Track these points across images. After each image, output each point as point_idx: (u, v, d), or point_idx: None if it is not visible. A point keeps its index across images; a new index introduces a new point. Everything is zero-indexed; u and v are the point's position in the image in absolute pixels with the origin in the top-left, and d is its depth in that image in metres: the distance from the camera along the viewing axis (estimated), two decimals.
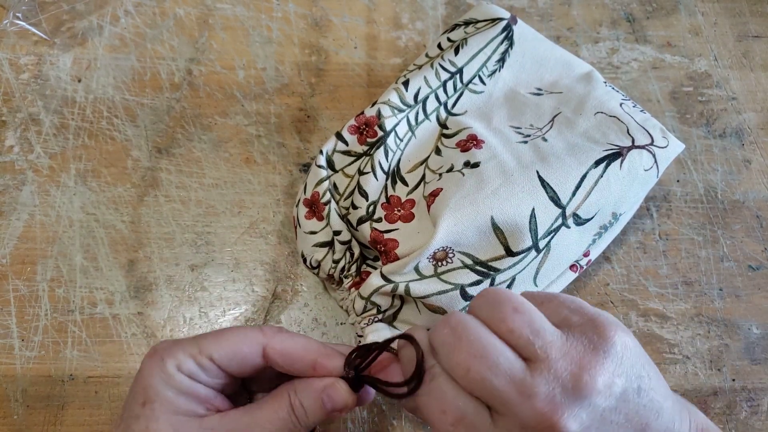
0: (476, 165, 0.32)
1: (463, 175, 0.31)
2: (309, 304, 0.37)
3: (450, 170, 0.32)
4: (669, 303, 0.38)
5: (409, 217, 0.32)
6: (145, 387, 0.23)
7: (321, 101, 0.42)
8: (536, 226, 0.30)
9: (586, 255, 0.35)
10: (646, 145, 0.33)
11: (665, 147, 0.34)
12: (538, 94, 0.37)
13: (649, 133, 0.34)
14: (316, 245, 0.33)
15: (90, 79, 0.42)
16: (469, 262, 0.30)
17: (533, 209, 0.30)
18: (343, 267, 0.33)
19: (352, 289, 0.33)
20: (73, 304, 0.35)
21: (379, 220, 0.32)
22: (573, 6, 0.48)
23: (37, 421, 0.33)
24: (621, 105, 0.35)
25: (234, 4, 0.45)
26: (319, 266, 0.33)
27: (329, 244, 0.33)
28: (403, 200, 0.33)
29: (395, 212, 0.32)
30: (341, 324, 0.36)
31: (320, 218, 0.33)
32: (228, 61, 0.43)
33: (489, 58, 0.37)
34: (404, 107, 0.35)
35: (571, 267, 0.34)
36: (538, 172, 0.31)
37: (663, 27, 0.47)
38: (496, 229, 0.30)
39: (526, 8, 0.47)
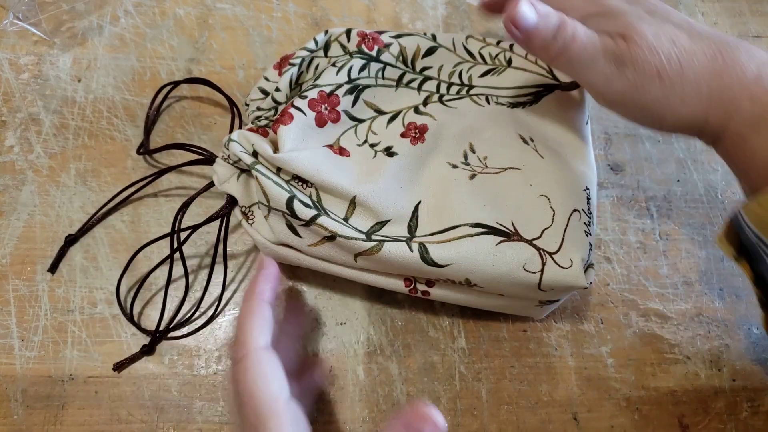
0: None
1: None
2: (309, 305, 0.37)
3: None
4: (669, 303, 0.38)
5: (339, 152, 0.33)
6: None
7: None
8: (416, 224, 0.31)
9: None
10: (541, 248, 0.30)
11: (562, 267, 0.30)
12: (525, 143, 0.35)
13: (561, 241, 0.31)
14: (260, 88, 0.36)
15: (90, 79, 0.42)
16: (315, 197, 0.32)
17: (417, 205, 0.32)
18: (259, 117, 0.34)
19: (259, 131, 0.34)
20: (73, 304, 0.35)
21: (304, 98, 0.33)
22: None
23: (37, 421, 0.33)
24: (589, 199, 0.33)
25: (234, 4, 0.45)
26: (248, 105, 0.36)
27: (267, 93, 0.35)
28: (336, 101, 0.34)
29: (321, 108, 0.33)
30: (342, 324, 0.36)
31: (280, 73, 0.35)
32: (228, 61, 0.43)
33: (517, 96, 0.36)
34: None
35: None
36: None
37: None
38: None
39: None
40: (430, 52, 0.36)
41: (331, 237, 0.30)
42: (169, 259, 0.34)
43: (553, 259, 0.30)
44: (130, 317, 0.35)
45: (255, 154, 0.32)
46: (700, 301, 0.38)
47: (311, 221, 0.30)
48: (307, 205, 0.30)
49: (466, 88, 0.36)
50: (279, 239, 0.32)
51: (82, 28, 0.43)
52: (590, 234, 0.32)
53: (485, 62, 0.37)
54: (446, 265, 0.30)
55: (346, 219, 0.31)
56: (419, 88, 0.36)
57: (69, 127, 0.40)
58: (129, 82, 0.42)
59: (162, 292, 0.35)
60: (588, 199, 0.33)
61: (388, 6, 0.47)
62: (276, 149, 0.31)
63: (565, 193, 0.32)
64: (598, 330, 0.37)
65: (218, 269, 0.36)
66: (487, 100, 0.36)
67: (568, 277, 0.30)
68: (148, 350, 0.34)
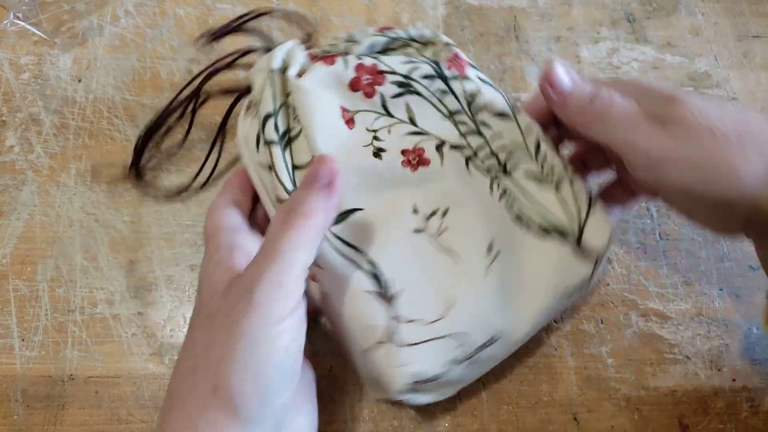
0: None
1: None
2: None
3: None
4: (669, 303, 0.38)
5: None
6: None
7: None
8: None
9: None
10: (396, 334, 0.30)
11: (392, 363, 0.30)
12: (488, 250, 0.32)
13: (416, 343, 0.30)
14: (351, 33, 0.34)
15: (90, 79, 0.42)
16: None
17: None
18: (326, 51, 0.33)
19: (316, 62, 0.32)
20: (73, 304, 0.35)
21: (359, 59, 0.32)
22: (573, 6, 0.48)
23: (37, 421, 0.33)
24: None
25: (234, 4, 0.45)
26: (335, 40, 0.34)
27: (351, 41, 0.33)
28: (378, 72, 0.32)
29: (363, 76, 0.31)
30: None
31: (374, 34, 0.33)
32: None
33: (532, 219, 0.32)
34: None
35: None
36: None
37: (663, 27, 0.47)
38: None
39: (527, 8, 0.47)
40: (501, 116, 0.32)
41: (271, 168, 0.30)
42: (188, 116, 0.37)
43: (392, 347, 0.30)
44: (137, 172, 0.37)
45: (284, 69, 0.31)
46: (700, 301, 0.38)
47: (267, 144, 0.30)
48: (277, 130, 0.30)
49: (498, 171, 0.32)
50: (247, 141, 0.32)
51: (83, 28, 0.43)
52: (457, 367, 0.30)
53: (541, 169, 0.32)
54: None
55: (295, 167, 0.31)
56: (463, 134, 0.33)
57: (69, 127, 0.40)
58: (129, 82, 0.42)
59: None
60: (485, 344, 0.30)
61: (388, 6, 0.47)
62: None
63: (466, 317, 0.30)
64: (598, 330, 0.37)
65: None
66: (501, 195, 0.32)
67: (383, 374, 0.30)
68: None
